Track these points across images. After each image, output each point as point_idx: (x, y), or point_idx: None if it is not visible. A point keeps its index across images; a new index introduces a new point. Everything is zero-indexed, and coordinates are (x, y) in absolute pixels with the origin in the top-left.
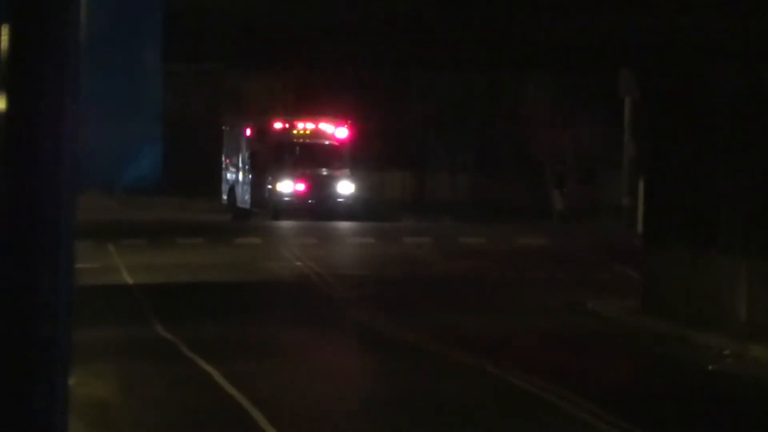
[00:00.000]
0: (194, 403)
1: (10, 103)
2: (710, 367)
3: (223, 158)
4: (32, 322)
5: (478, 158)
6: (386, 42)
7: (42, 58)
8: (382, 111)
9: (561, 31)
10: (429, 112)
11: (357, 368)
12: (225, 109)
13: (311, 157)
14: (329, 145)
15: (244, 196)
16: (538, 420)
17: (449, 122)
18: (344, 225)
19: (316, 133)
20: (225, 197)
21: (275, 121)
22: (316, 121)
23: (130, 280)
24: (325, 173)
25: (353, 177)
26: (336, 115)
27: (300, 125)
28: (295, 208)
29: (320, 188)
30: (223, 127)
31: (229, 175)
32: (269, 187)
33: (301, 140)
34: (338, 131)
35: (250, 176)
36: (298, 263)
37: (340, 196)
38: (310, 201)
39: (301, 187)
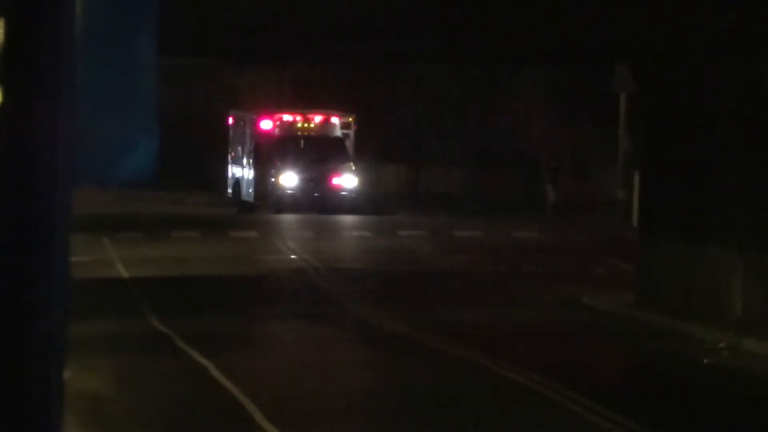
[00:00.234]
0: (190, 396)
1: (6, 97)
2: (705, 361)
3: (228, 152)
4: (27, 316)
5: (474, 152)
6: (382, 37)
7: (37, 53)
8: (378, 105)
9: (557, 26)
10: (424, 107)
11: (353, 362)
12: (221, 104)
13: (315, 151)
14: (333, 138)
15: (248, 190)
16: (534, 414)
17: (444, 117)
18: (342, 218)
19: (320, 127)
20: (230, 191)
21: (279, 115)
22: (320, 115)
23: (125, 274)
24: (328, 166)
25: (357, 170)
26: (339, 108)
27: (304, 118)
28: (298, 201)
29: (323, 182)
30: (229, 121)
31: (233, 169)
32: (272, 180)
33: (305, 133)
34: (342, 124)
35: (254, 169)
36: (294, 257)
37: (343, 190)
38: (316, 195)
39: (303, 180)
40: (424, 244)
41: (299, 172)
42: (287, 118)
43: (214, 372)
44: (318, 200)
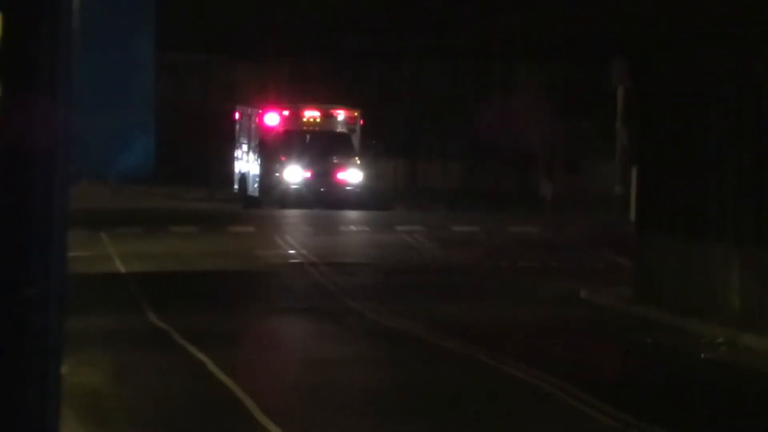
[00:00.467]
0: (188, 392)
1: (4, 92)
2: (703, 356)
3: (235, 147)
4: (25, 311)
5: (471, 147)
6: (379, 31)
7: (35, 49)
8: (375, 100)
9: (554, 20)
10: (421, 101)
11: (349, 357)
12: (218, 99)
13: (319, 145)
14: (338, 133)
15: (253, 185)
16: (531, 409)
17: (441, 111)
18: (341, 213)
19: (325, 122)
20: (236, 186)
21: (284, 110)
22: (325, 109)
23: (122, 269)
24: (333, 161)
25: (361, 165)
26: (344, 103)
27: (309, 113)
28: (302, 196)
29: (328, 176)
30: (235, 116)
31: (239, 164)
32: (276, 175)
33: (310, 128)
34: (348, 119)
35: (259, 165)
36: (292, 252)
37: (348, 185)
38: (322, 189)
39: (308, 175)
40: (421, 239)
41: (304, 166)
42: (293, 113)
43: (212, 367)
44: (323, 195)
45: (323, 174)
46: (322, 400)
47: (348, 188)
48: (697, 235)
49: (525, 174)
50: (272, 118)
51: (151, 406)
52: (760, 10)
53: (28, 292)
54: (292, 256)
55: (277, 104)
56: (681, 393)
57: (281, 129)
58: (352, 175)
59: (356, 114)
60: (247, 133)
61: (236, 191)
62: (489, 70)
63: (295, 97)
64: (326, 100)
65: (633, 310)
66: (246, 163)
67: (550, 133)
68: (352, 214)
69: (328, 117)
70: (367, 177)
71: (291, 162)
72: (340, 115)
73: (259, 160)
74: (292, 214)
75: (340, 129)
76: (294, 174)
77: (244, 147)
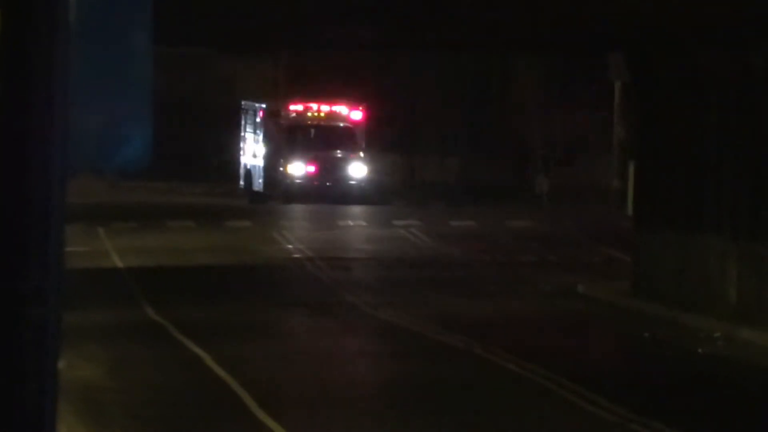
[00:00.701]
0: (184, 386)
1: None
2: (700, 350)
3: (240, 142)
4: (22, 306)
5: (468, 141)
6: (376, 24)
7: (32, 43)
8: (373, 94)
9: (552, 13)
10: (419, 95)
11: (347, 351)
12: (216, 93)
13: (324, 140)
14: (343, 127)
15: (258, 180)
16: (528, 403)
17: (439, 105)
18: (340, 208)
19: (330, 116)
20: (242, 182)
21: (289, 104)
22: (329, 104)
23: (119, 264)
24: (338, 156)
25: (366, 160)
26: (349, 97)
27: (314, 107)
28: (306, 191)
29: (333, 171)
30: (241, 111)
31: (245, 159)
32: (281, 169)
33: (315, 123)
34: (352, 114)
35: (264, 159)
36: (289, 246)
37: (352, 179)
38: (328, 184)
39: (312, 169)
40: (419, 234)
41: (308, 161)
42: (298, 107)
43: (209, 361)
44: (327, 190)
45: (328, 168)
46: (319, 394)
47: (352, 183)
48: (695, 229)
49: (522, 168)
50: (277, 113)
51: (149, 400)
52: (757, 5)
53: (26, 287)
54: (289, 251)
55: (283, 99)
56: (678, 387)
57: (286, 123)
58: (356, 170)
59: (361, 108)
60: (252, 128)
61: (242, 186)
62: (487, 64)
63: (294, 90)
64: (324, 94)
65: (630, 304)
66: (252, 158)
67: (547, 127)
68: (350, 209)
69: (333, 111)
70: (372, 171)
71: (295, 157)
72: (345, 109)
73: (263, 155)
74: (291, 209)
75: (344, 123)
76: (298, 169)
77: (250, 142)
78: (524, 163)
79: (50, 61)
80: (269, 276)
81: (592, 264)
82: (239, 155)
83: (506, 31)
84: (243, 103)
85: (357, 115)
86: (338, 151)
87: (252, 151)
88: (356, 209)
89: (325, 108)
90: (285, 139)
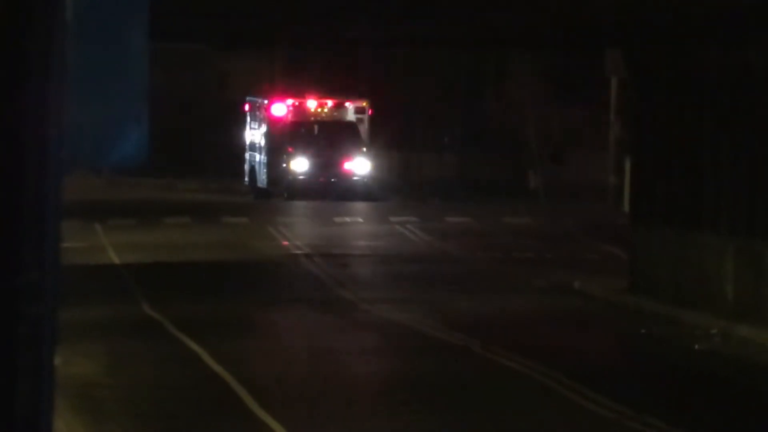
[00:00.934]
0: (181, 382)
1: None
2: (697, 347)
3: (245, 139)
4: (19, 302)
5: (465, 138)
6: (372, 20)
7: (28, 39)
8: (370, 90)
9: (549, 9)
10: (416, 92)
11: (343, 348)
12: (212, 89)
13: (327, 136)
14: (346, 123)
15: (261, 176)
16: (525, 399)
17: (436, 101)
18: (341, 204)
19: (333, 112)
20: (246, 178)
21: (292, 100)
22: (332, 100)
23: (116, 260)
24: (340, 152)
25: (369, 156)
26: (353, 93)
27: (316, 103)
28: (310, 187)
29: (335, 167)
30: (246, 107)
31: (249, 155)
32: (284, 165)
33: (318, 119)
34: (356, 109)
35: (267, 156)
36: (285, 242)
37: (356, 176)
38: (333, 180)
39: (315, 165)
40: (416, 231)
41: (311, 157)
42: (300, 103)
43: (206, 357)
44: (331, 186)
45: (331, 164)
46: (316, 390)
47: (355, 179)
48: (692, 225)
49: (519, 164)
50: (279, 109)
51: (145, 396)
52: (754, 2)
53: (22, 281)
54: (285, 247)
55: (285, 95)
56: (675, 384)
57: (288, 119)
58: (359, 166)
59: (365, 104)
60: (256, 125)
61: (247, 183)
62: (484, 60)
63: (290, 85)
64: (324, 90)
65: (627, 301)
66: (256, 154)
67: (542, 123)
68: (349, 206)
69: (336, 107)
70: (375, 167)
71: (298, 153)
72: (349, 105)
73: (266, 151)
74: (289, 205)
75: (348, 119)
76: (301, 165)
77: (254, 139)
78: (518, 158)
79: (47, 59)
80: (266, 272)
81: (588, 261)
82: (244, 151)
83: (503, 28)
84: (248, 98)
85: (361, 110)
86: (342, 147)
87: (256, 148)
88: (354, 206)
89: (328, 103)
90: (287, 134)
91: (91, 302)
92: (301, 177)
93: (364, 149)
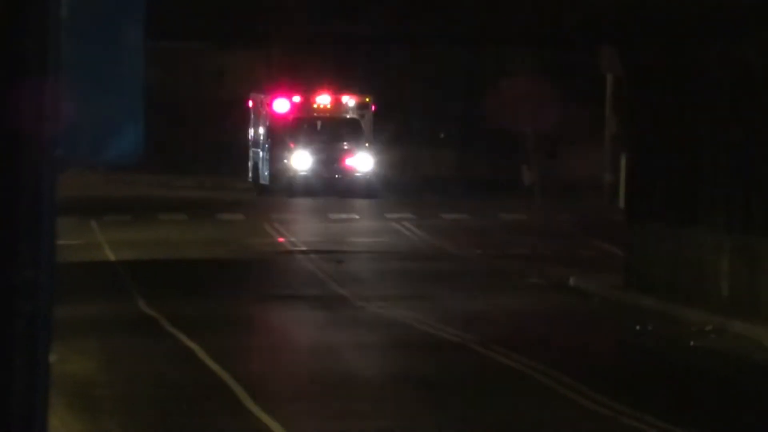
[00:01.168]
0: (177, 379)
1: None
2: (692, 343)
3: (248, 135)
4: (14, 299)
5: (462, 134)
6: (369, 17)
7: (23, 36)
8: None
9: (544, 7)
10: (412, 88)
11: (339, 344)
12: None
13: (329, 132)
14: (348, 119)
15: (264, 173)
16: (521, 396)
17: (432, 98)
18: (339, 201)
19: (335, 108)
20: (250, 175)
21: (293, 95)
22: (335, 95)
23: (112, 257)
24: (343, 148)
25: (372, 152)
26: (356, 89)
27: (319, 99)
28: (311, 184)
29: (338, 163)
30: (249, 103)
31: (253, 152)
32: (285, 162)
33: (320, 114)
34: (358, 105)
35: (269, 152)
36: (281, 239)
37: (358, 172)
38: (337, 176)
39: (317, 161)
40: (412, 227)
41: (312, 153)
42: (303, 99)
43: (201, 354)
44: (333, 183)
45: (333, 161)
46: (311, 387)
47: (358, 175)
48: (687, 222)
49: (515, 161)
50: (282, 105)
51: (141, 393)
52: None
53: (17, 279)
54: (281, 244)
55: (287, 90)
56: (670, 380)
57: (290, 115)
58: (362, 162)
59: (367, 99)
60: (258, 121)
61: (250, 179)
62: (480, 57)
63: (291, 82)
64: (325, 86)
65: (623, 298)
66: (259, 151)
67: (538, 120)
68: (345, 202)
69: (338, 103)
70: (378, 164)
71: (300, 149)
72: (351, 100)
73: (268, 147)
74: (285, 202)
75: (350, 115)
76: (303, 161)
77: (257, 135)
78: (515, 155)
79: (42, 57)
80: (261, 269)
81: (584, 257)
82: (249, 148)
83: (499, 25)
84: (251, 95)
85: (364, 106)
86: (344, 143)
87: (258, 144)
88: (350, 202)
89: (330, 99)
90: (289, 130)
91: (87, 299)
92: (302, 173)
93: (367, 145)
